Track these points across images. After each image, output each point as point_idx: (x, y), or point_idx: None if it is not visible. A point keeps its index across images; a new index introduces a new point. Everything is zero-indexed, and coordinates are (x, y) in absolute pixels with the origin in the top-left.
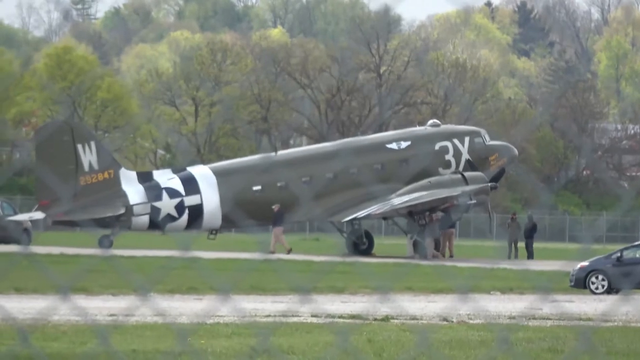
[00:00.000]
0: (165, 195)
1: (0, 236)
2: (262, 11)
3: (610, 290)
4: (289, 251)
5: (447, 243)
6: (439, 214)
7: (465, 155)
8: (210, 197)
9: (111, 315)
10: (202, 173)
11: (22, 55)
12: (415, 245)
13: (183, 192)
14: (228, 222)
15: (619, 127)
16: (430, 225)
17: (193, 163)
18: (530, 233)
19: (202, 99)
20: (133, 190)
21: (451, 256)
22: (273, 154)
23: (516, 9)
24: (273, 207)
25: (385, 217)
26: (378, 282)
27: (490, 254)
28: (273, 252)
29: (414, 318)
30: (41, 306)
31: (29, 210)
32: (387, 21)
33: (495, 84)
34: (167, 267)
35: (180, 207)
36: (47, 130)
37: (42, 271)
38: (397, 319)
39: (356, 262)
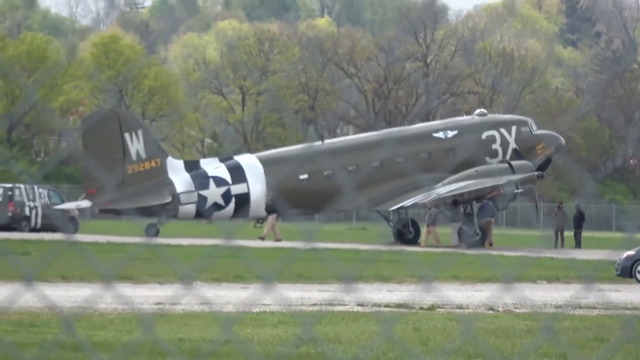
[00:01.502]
0: (212, 183)
1: (47, 224)
2: (310, 1)
3: None
4: (278, 240)
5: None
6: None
7: (512, 145)
8: (256, 186)
9: (157, 303)
10: (249, 162)
11: (69, 44)
12: (460, 233)
13: (230, 181)
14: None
15: None
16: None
17: (240, 152)
18: (579, 222)
19: (249, 88)
20: (180, 179)
21: (490, 245)
22: (319, 143)
23: None
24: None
25: (432, 206)
26: (424, 271)
27: (537, 243)
28: (263, 239)
29: (459, 307)
30: (87, 294)
31: (76, 198)
32: (434, 11)
33: (542, 74)
34: (213, 256)
35: (227, 196)
36: (94, 118)
37: (89, 259)
38: (443, 308)
39: (402, 251)
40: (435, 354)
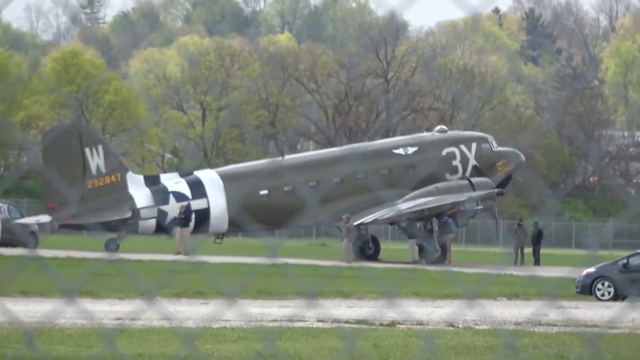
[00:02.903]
0: (172, 199)
1: (7, 239)
2: (270, 16)
3: (616, 297)
4: (179, 254)
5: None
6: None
7: (472, 161)
8: (217, 201)
9: (117, 319)
10: (209, 177)
11: (30, 58)
12: (421, 250)
13: (190, 196)
14: (235, 226)
15: (626, 134)
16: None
17: (200, 167)
18: (538, 239)
19: (209, 103)
20: (140, 194)
21: (449, 262)
22: (280, 158)
23: (524, 16)
24: (180, 206)
25: (391, 222)
26: (384, 287)
27: (497, 259)
28: (179, 253)
29: (420, 323)
30: (47, 309)
31: (36, 213)
32: (395, 27)
33: (502, 90)
34: (173, 271)
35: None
36: (54, 133)
37: (49, 274)
38: (403, 324)
39: (362, 267)
40: None
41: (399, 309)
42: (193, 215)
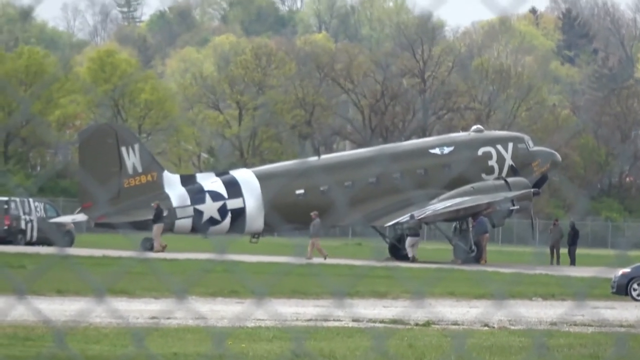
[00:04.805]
0: (208, 198)
1: (42, 238)
2: (307, 16)
3: None
4: (158, 250)
5: None
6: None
7: (508, 161)
8: (252, 201)
9: (152, 317)
10: (245, 177)
11: (65, 57)
12: (455, 249)
13: (226, 195)
14: (270, 225)
15: None
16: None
17: (236, 166)
18: (574, 239)
19: (245, 102)
20: (176, 193)
21: (485, 261)
22: (316, 158)
23: (561, 15)
24: (152, 204)
25: (427, 222)
26: (419, 287)
27: (532, 260)
28: (160, 250)
29: (455, 323)
30: (82, 308)
31: (72, 212)
32: (431, 27)
33: (538, 91)
34: (208, 270)
35: (222, 211)
36: (90, 132)
37: (84, 273)
38: (438, 324)
39: (398, 267)
40: None
41: (434, 308)
42: (229, 214)
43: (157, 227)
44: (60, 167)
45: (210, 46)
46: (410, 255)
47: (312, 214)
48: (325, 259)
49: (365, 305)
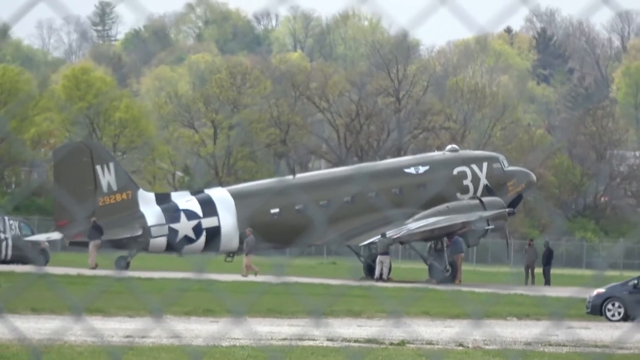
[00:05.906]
0: (183, 216)
1: (17, 256)
2: (282, 35)
3: (626, 318)
4: (92, 267)
5: None
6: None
7: (483, 181)
8: (227, 220)
9: (127, 336)
10: (220, 195)
11: (40, 75)
12: (431, 269)
13: (201, 214)
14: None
15: (638, 154)
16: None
17: (211, 185)
18: (548, 259)
19: (220, 121)
20: (151, 212)
21: (459, 281)
22: (291, 177)
23: (536, 35)
24: (92, 219)
25: (402, 241)
26: (394, 307)
27: (507, 279)
28: (94, 268)
29: (429, 343)
30: (57, 327)
31: (47, 230)
32: (406, 46)
33: (514, 110)
34: (183, 289)
35: (197, 229)
36: (65, 150)
37: (59, 292)
38: (413, 343)
39: (373, 286)
40: None
41: (408, 328)
42: (204, 233)
43: (94, 244)
44: (35, 185)
45: (186, 65)
46: (377, 272)
47: (247, 230)
48: (256, 275)
49: (340, 325)
